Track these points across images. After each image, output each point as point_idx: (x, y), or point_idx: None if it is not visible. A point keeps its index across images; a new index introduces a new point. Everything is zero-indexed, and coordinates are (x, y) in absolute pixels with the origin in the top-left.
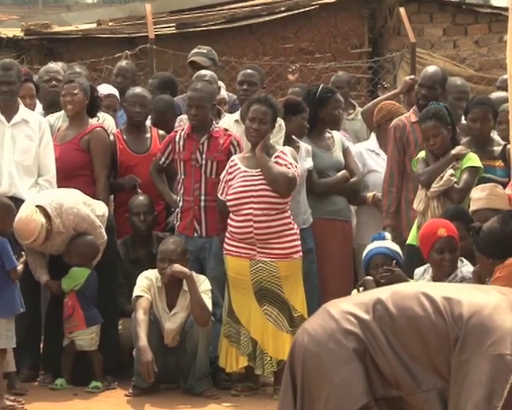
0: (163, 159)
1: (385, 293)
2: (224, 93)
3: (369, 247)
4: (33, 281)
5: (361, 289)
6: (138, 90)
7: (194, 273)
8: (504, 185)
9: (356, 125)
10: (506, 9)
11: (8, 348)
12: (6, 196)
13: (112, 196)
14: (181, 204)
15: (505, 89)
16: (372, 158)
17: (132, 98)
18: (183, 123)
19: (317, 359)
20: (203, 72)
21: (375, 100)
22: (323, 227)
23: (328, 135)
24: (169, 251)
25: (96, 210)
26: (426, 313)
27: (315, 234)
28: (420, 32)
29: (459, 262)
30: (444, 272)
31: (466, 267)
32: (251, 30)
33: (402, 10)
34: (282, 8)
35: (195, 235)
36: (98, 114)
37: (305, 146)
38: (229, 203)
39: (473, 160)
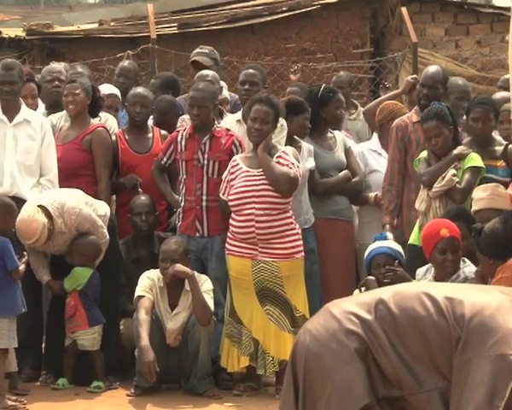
0: (165, 159)
1: (387, 293)
2: (226, 93)
3: (371, 247)
4: (35, 281)
5: (363, 289)
6: (139, 90)
7: (196, 273)
8: (506, 185)
9: (358, 125)
10: (508, 9)
11: (9, 348)
12: (8, 196)
13: (114, 196)
14: (183, 204)
15: (507, 89)
16: (374, 158)
17: (133, 98)
18: (185, 123)
19: (318, 359)
20: (205, 72)
21: (377, 100)
22: (325, 227)
23: (330, 135)
24: (171, 251)
25: (97, 210)
26: (428, 313)
27: (317, 234)
28: (422, 32)
29: (461, 263)
30: (446, 273)
31: (468, 268)
32: (253, 30)
33: (404, 10)
34: (284, 8)
35: (197, 235)
36: (100, 114)
37: (307, 146)
38: (230, 203)
39: (475, 160)
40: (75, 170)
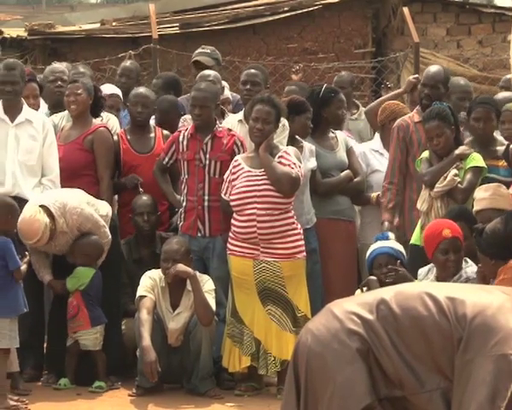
0: (166, 159)
1: (388, 293)
2: (227, 93)
3: (373, 247)
4: (37, 281)
5: (365, 289)
6: (141, 90)
7: (197, 273)
8: (508, 185)
9: (359, 125)
10: (510, 9)
11: (11, 348)
12: (9, 196)
13: (116, 196)
14: (184, 204)
15: (508, 88)
16: (376, 158)
17: (135, 98)
18: (186, 123)
19: (320, 359)
20: (207, 72)
21: (378, 99)
22: (327, 227)
23: (331, 135)
24: (173, 251)
25: (99, 210)
26: (429, 313)
27: (318, 234)
28: (423, 32)
29: (463, 263)
30: (448, 273)
31: (470, 268)
32: (254, 30)
33: (405, 10)
34: (286, 8)
35: (199, 235)
36: (102, 114)
37: (308, 146)
38: (232, 203)
39: (476, 160)
40: (77, 170)
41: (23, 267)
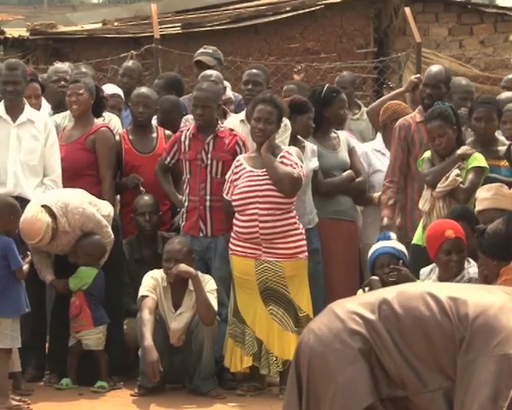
0: (168, 159)
1: (390, 293)
2: (229, 93)
3: (375, 247)
4: (39, 281)
5: (367, 289)
6: (143, 90)
7: (199, 273)
8: (510, 185)
9: (361, 125)
10: (511, 9)
11: (13, 348)
12: (11, 196)
13: (118, 196)
14: (186, 204)
15: (510, 88)
16: (378, 158)
17: (136, 98)
18: (188, 123)
19: (322, 359)
20: (209, 72)
21: (380, 99)
22: (329, 227)
23: (333, 135)
24: (175, 251)
25: (101, 210)
26: (431, 313)
27: (320, 234)
28: (425, 32)
29: (466, 263)
30: (451, 273)
31: (473, 268)
32: (256, 30)
33: (407, 10)
34: (288, 8)
35: (201, 235)
36: (104, 114)
37: (310, 146)
38: (234, 203)
39: (478, 160)
40: (79, 170)
41: (25, 267)
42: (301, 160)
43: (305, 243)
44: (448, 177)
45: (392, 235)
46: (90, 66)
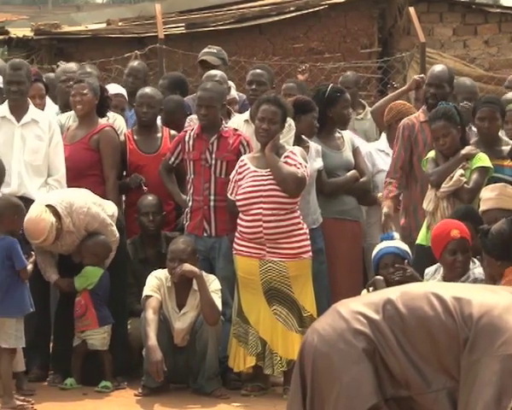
0: (172, 159)
1: (395, 293)
2: (234, 93)
3: (379, 247)
4: (43, 281)
5: (371, 288)
6: (147, 90)
7: (203, 273)
8: None
9: (365, 125)
10: None
11: (17, 347)
12: (15, 196)
13: (123, 197)
14: (190, 204)
15: None
16: (382, 158)
17: (140, 99)
18: (192, 123)
19: (326, 359)
20: (213, 72)
21: (383, 99)
22: (333, 227)
23: (337, 135)
24: (179, 251)
25: (105, 210)
26: (436, 313)
27: (324, 234)
28: (430, 32)
29: (471, 264)
30: (456, 274)
31: (478, 269)
32: (260, 30)
33: (411, 10)
34: (292, 8)
35: (205, 235)
36: (108, 114)
37: (314, 146)
38: (238, 203)
39: (483, 160)
40: (83, 170)
41: (29, 267)
42: (305, 160)
43: (309, 242)
44: (452, 177)
45: (396, 235)
46: (94, 66)
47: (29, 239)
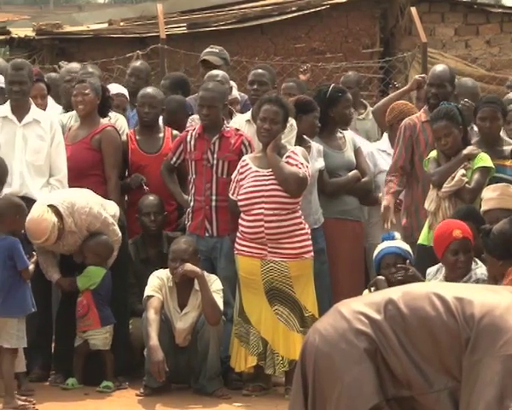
0: (174, 159)
1: (396, 293)
2: (235, 93)
3: (380, 247)
4: (44, 281)
5: (373, 288)
6: (148, 90)
7: (205, 273)
8: None
9: (367, 125)
10: None
11: (19, 348)
12: (17, 196)
13: (126, 197)
14: (192, 204)
15: None
16: (383, 158)
17: (142, 99)
18: (194, 123)
19: (328, 359)
20: (215, 72)
21: (385, 98)
22: (334, 227)
23: (339, 135)
24: (181, 251)
25: (107, 210)
26: (437, 313)
27: (326, 234)
28: (431, 32)
29: (473, 264)
30: (458, 274)
31: (480, 269)
32: (262, 30)
33: (413, 10)
34: (294, 8)
35: (206, 235)
36: (110, 114)
37: (316, 146)
38: (240, 203)
39: (484, 160)
40: (84, 170)
41: (31, 267)
42: (307, 160)
43: (310, 242)
44: (454, 177)
45: (397, 235)
46: (96, 66)
47: (31, 239)
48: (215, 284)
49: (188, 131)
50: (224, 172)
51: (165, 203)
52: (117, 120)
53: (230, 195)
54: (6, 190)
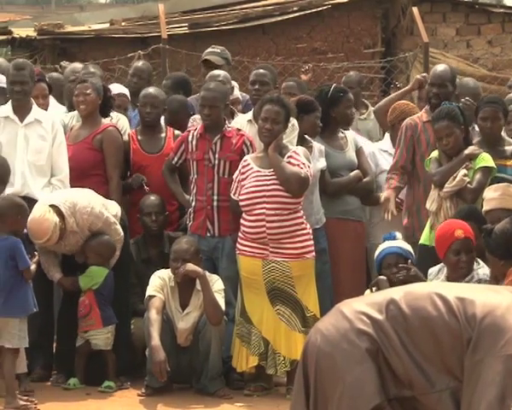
0: (176, 159)
1: (398, 293)
2: (237, 93)
3: (382, 246)
4: (46, 281)
5: (374, 288)
6: (150, 90)
7: (207, 273)
8: None
9: (368, 125)
10: None
11: (20, 348)
12: (19, 196)
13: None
14: (194, 204)
15: None
16: (385, 158)
17: (144, 99)
18: (196, 123)
19: (330, 359)
20: (216, 72)
21: (386, 98)
22: (336, 227)
23: (341, 135)
24: (182, 251)
25: (109, 210)
26: (439, 313)
27: (328, 234)
28: (433, 32)
29: (475, 264)
30: (460, 274)
31: (482, 269)
32: (264, 30)
33: (415, 10)
34: (295, 8)
35: (208, 235)
36: (112, 114)
37: (318, 146)
38: (241, 203)
39: (486, 160)
40: (86, 170)
41: (32, 267)
42: (308, 160)
43: (312, 242)
44: (455, 177)
45: (398, 235)
46: (97, 66)
47: (32, 239)
48: (217, 284)
49: (189, 131)
50: (225, 172)
51: (166, 203)
52: (118, 120)
53: (232, 195)
54: (8, 190)
